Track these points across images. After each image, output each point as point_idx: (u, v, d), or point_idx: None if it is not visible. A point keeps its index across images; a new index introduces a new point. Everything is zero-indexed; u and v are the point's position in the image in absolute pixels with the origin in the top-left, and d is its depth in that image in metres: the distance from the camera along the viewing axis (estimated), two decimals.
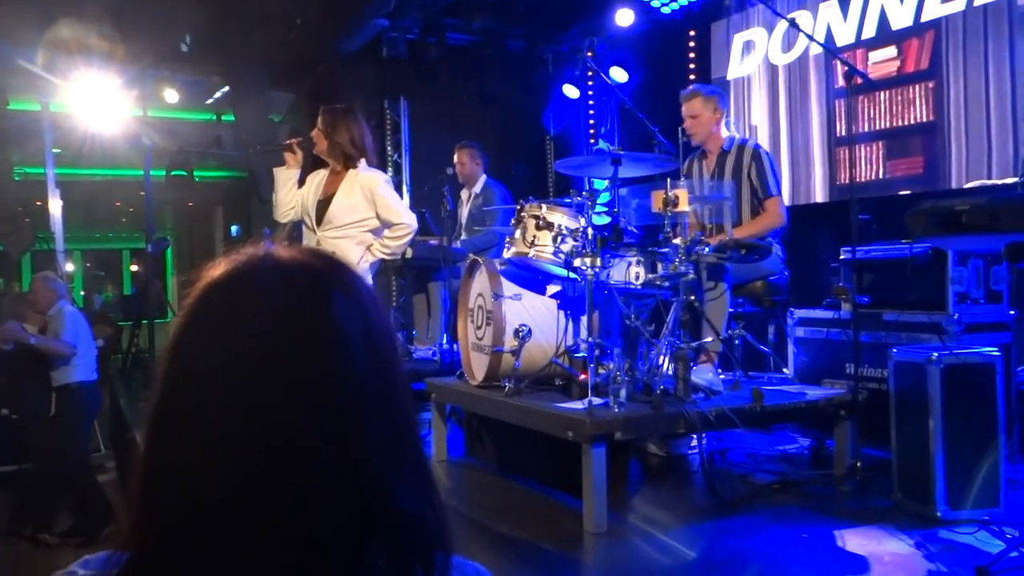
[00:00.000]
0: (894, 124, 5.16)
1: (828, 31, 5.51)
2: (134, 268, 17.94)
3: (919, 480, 2.98)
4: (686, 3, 6.54)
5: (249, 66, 7.31)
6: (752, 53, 6.18)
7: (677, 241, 3.27)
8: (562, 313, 3.65)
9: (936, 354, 2.95)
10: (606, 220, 3.42)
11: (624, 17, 6.62)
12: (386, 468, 0.66)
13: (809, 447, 4.14)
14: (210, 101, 8.21)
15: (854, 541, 2.86)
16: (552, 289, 3.71)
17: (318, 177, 3.89)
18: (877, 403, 3.47)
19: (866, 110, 5.27)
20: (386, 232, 3.76)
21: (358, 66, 7.54)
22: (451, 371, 4.62)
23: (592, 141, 7.72)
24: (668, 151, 4.14)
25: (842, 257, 3.93)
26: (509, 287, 3.67)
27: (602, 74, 5.64)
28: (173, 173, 8.19)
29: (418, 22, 7.14)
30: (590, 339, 3.24)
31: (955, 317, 3.46)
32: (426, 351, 5.45)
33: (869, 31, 5.29)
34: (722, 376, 3.68)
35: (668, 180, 3.33)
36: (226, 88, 7.76)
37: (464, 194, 5.88)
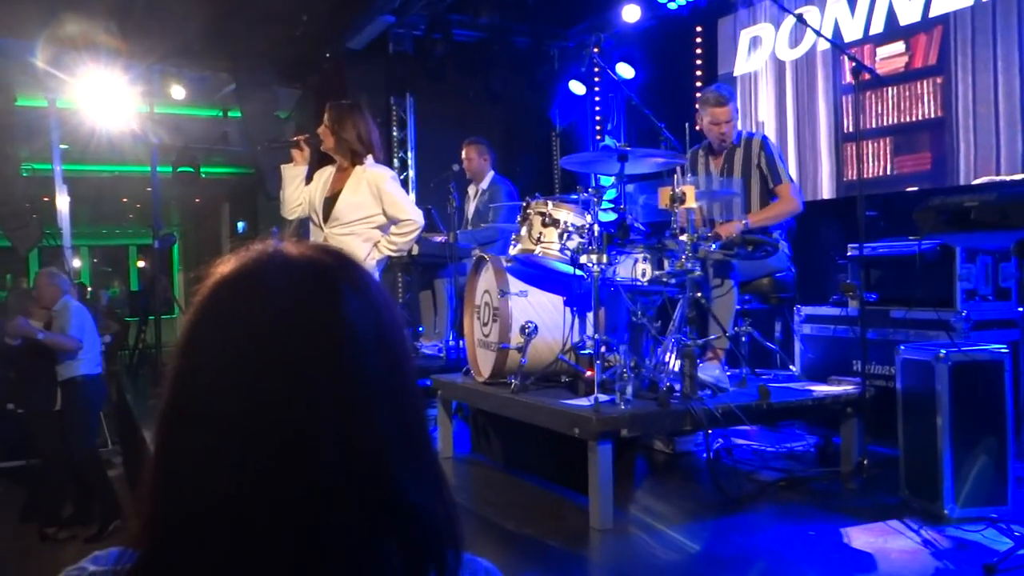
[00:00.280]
0: (902, 120, 5.14)
1: (836, 26, 5.49)
2: (141, 264, 18.00)
3: (926, 478, 2.97)
4: None
5: (256, 62, 7.32)
6: (759, 49, 6.15)
7: (684, 238, 3.26)
8: (568, 310, 3.65)
9: (944, 351, 2.94)
10: (612, 217, 3.41)
11: (631, 13, 6.60)
12: (398, 465, 0.66)
13: (816, 444, 4.13)
14: (217, 97, 8.21)
15: (861, 539, 2.85)
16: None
17: (325, 174, 3.89)
18: (884, 400, 3.46)
19: (874, 106, 5.25)
20: (392, 229, 3.76)
21: (364, 63, 7.54)
22: (457, 368, 4.62)
23: (598, 137, 7.70)
24: (675, 147, 4.13)
25: (849, 254, 3.92)
26: (515, 284, 3.67)
27: (608, 70, 5.63)
28: (180, 169, 8.21)
29: (424, 19, 7.14)
30: (596, 336, 3.24)
31: (963, 314, 3.44)
32: (432, 347, 5.45)
33: (877, 26, 5.26)
34: (728, 373, 3.68)
35: (675, 176, 3.32)
36: (233, 84, 7.76)
37: (471, 190, 5.88)
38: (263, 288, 0.68)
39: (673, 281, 3.32)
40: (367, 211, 3.71)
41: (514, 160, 7.58)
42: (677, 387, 3.28)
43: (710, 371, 3.48)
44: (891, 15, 5.18)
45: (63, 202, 6.82)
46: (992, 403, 2.93)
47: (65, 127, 7.02)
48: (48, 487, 5.01)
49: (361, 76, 7.59)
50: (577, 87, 7.65)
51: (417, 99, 7.86)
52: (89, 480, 4.96)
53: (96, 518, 4.95)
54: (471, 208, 5.81)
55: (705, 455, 4.01)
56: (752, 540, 2.89)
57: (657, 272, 3.34)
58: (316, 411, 0.64)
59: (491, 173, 5.77)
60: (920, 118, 5.04)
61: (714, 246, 3.33)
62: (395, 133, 7.83)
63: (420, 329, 5.90)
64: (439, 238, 5.49)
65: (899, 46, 5.15)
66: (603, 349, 3.26)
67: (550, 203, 3.51)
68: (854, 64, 3.54)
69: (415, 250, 5.35)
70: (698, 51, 6.62)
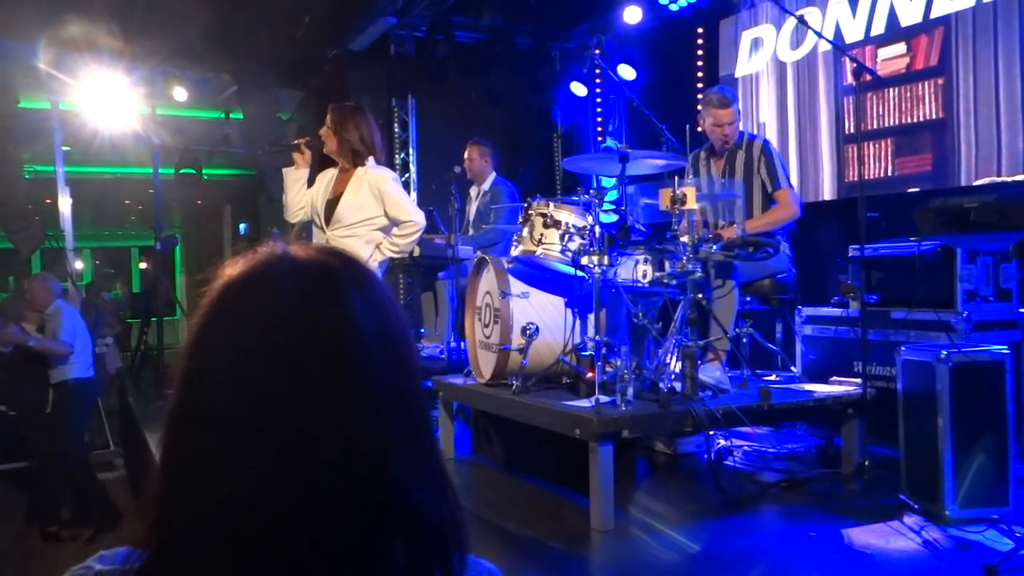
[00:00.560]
0: (903, 121, 5.14)
1: (837, 28, 5.49)
2: (143, 266, 18.02)
3: (927, 478, 2.97)
4: (694, 0, 6.52)
5: (257, 64, 7.33)
6: (760, 50, 6.16)
7: (685, 239, 3.26)
8: (569, 311, 3.65)
9: (945, 352, 2.94)
10: (614, 218, 3.42)
11: (632, 15, 6.61)
12: (404, 466, 0.66)
13: (817, 445, 4.13)
14: (219, 99, 8.23)
15: (862, 540, 2.85)
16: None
17: (327, 176, 3.89)
18: (885, 401, 3.46)
19: (875, 107, 5.25)
20: (394, 230, 3.77)
21: (366, 64, 7.55)
22: (458, 369, 4.63)
23: (600, 139, 7.71)
24: (676, 148, 4.13)
25: (850, 255, 3.92)
26: (517, 285, 3.67)
27: (610, 71, 5.63)
28: (182, 171, 8.23)
29: (426, 20, 7.15)
30: (597, 337, 3.24)
31: (964, 315, 3.44)
32: (433, 349, 5.46)
33: (878, 28, 5.26)
34: (729, 374, 3.68)
35: (676, 178, 3.32)
36: (234, 86, 7.78)
37: (473, 191, 5.89)
38: (271, 290, 0.68)
39: (674, 282, 3.33)
40: (369, 213, 3.71)
41: (516, 161, 7.59)
42: (678, 388, 3.28)
43: (711, 372, 3.49)
44: (892, 16, 5.18)
45: (65, 204, 6.83)
46: (993, 404, 2.93)
47: (67, 129, 7.03)
48: (43, 488, 5.02)
49: (363, 77, 7.60)
50: (578, 88, 7.66)
51: (419, 100, 7.87)
52: (78, 481, 4.98)
53: (89, 518, 4.96)
54: (472, 209, 5.81)
55: (706, 456, 4.01)
56: (753, 541, 2.89)
57: (658, 273, 3.34)
58: (322, 413, 0.64)
59: (493, 174, 5.77)
60: (921, 119, 5.04)
61: (715, 247, 3.33)
62: (397, 134, 7.84)
63: (422, 331, 5.90)
64: (440, 240, 5.49)
65: (900, 47, 5.15)
66: (604, 350, 3.26)
67: (551, 204, 3.51)
68: (855, 65, 3.55)
69: (416, 251, 5.36)
70: (699, 52, 6.63)
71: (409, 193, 7.85)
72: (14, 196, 6.65)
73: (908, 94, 5.11)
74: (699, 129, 4.27)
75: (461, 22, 7.21)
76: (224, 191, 12.93)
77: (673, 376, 3.33)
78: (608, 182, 5.21)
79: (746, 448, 4.08)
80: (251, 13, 6.52)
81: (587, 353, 3.46)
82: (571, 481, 3.39)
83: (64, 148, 7.02)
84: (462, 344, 4.80)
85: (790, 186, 4.05)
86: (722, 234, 3.67)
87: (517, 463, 3.89)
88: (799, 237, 4.28)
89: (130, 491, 5.60)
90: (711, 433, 3.41)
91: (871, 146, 5.25)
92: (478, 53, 7.49)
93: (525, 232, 3.55)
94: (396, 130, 7.85)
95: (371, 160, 3.76)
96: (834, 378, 3.76)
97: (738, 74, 6.29)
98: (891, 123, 5.20)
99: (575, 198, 3.54)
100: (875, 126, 5.24)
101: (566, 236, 3.42)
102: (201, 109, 8.58)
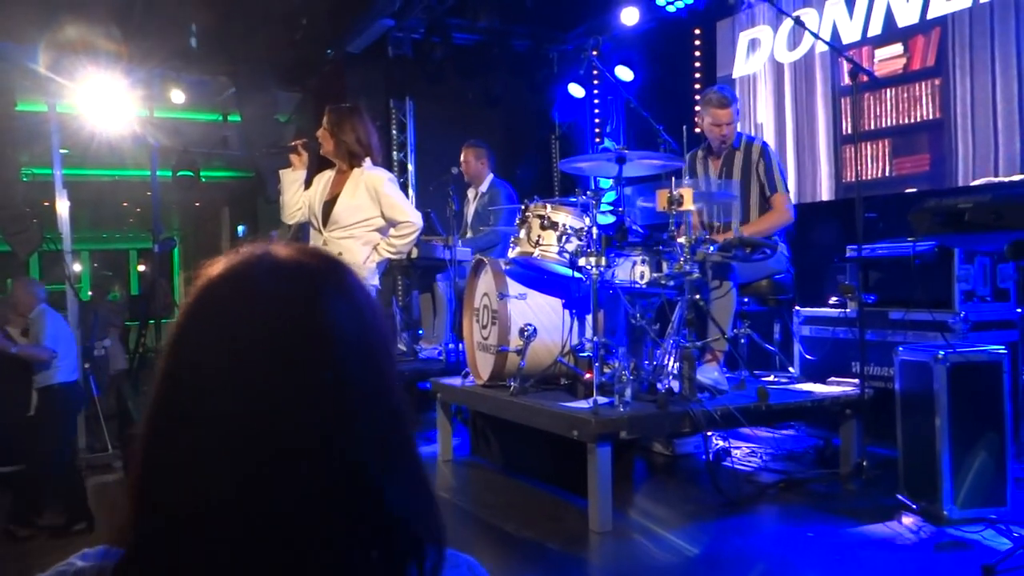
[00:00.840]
0: (900, 122, 5.14)
1: (834, 29, 5.49)
2: (141, 268, 18.01)
3: (925, 479, 2.97)
4: (691, 1, 6.52)
5: (255, 66, 7.33)
6: (758, 51, 6.16)
7: (682, 240, 3.26)
8: (567, 312, 3.65)
9: (942, 352, 2.94)
10: (611, 219, 3.42)
11: (629, 16, 6.61)
12: (378, 465, 0.66)
13: (815, 446, 4.13)
14: (217, 101, 8.22)
15: (860, 540, 2.85)
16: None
17: (325, 178, 3.89)
18: (883, 402, 3.47)
19: (872, 108, 5.25)
20: (392, 231, 3.76)
21: (364, 66, 7.55)
22: (456, 370, 4.62)
23: (597, 140, 7.71)
24: (673, 149, 4.13)
25: (848, 255, 3.92)
26: (514, 286, 3.67)
27: (607, 73, 5.63)
28: (179, 173, 8.21)
29: (423, 22, 7.15)
30: (595, 338, 3.25)
31: (961, 315, 3.45)
32: (431, 350, 5.45)
33: (875, 28, 5.27)
34: (727, 375, 3.68)
35: (673, 179, 3.33)
36: (232, 88, 7.77)
37: (470, 193, 5.89)
38: (249, 291, 0.68)
39: (672, 283, 3.33)
40: (365, 214, 3.71)
41: (513, 163, 7.59)
42: (676, 389, 3.28)
43: (709, 373, 3.49)
44: (889, 17, 5.19)
45: (63, 206, 6.81)
46: (991, 404, 2.93)
47: (65, 131, 7.02)
48: (23, 493, 5.00)
49: (360, 79, 7.60)
50: (576, 90, 7.66)
51: (416, 102, 7.87)
52: (63, 485, 4.95)
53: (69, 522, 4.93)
54: (470, 211, 5.81)
55: (704, 457, 4.01)
56: (751, 542, 2.90)
57: (656, 274, 3.34)
58: (298, 412, 0.64)
59: (490, 176, 5.77)
60: (918, 120, 5.05)
61: (712, 248, 3.33)
62: (394, 136, 7.84)
63: (420, 332, 5.90)
64: (438, 242, 5.49)
65: (897, 48, 5.15)
66: (602, 352, 3.26)
67: (549, 206, 3.51)
68: (852, 66, 3.55)
69: (414, 253, 5.35)
70: (697, 54, 6.63)
71: (407, 195, 7.85)
72: (11, 199, 6.63)
73: (905, 95, 5.11)
74: (697, 130, 4.27)
75: (458, 24, 7.21)
76: (222, 193, 12.92)
77: (671, 377, 3.33)
78: (606, 183, 5.21)
79: (744, 449, 4.08)
80: (249, 15, 6.51)
81: (585, 354, 3.46)
82: (569, 482, 3.40)
83: (62, 151, 7.00)
84: (460, 346, 4.80)
85: (787, 191, 4.06)
86: (718, 240, 3.66)
87: (515, 464, 3.89)
88: (797, 238, 4.29)
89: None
90: (709, 434, 3.41)
91: (868, 147, 5.25)
92: (475, 55, 7.49)
93: (522, 234, 3.55)
94: (394, 132, 7.85)
95: (368, 161, 3.76)
96: (832, 378, 3.76)
97: (735, 75, 6.29)
98: (888, 124, 5.21)
99: (572, 199, 3.54)
100: (872, 127, 5.25)
101: (563, 237, 3.42)
102: (199, 111, 8.57)
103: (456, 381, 4.12)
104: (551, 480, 3.61)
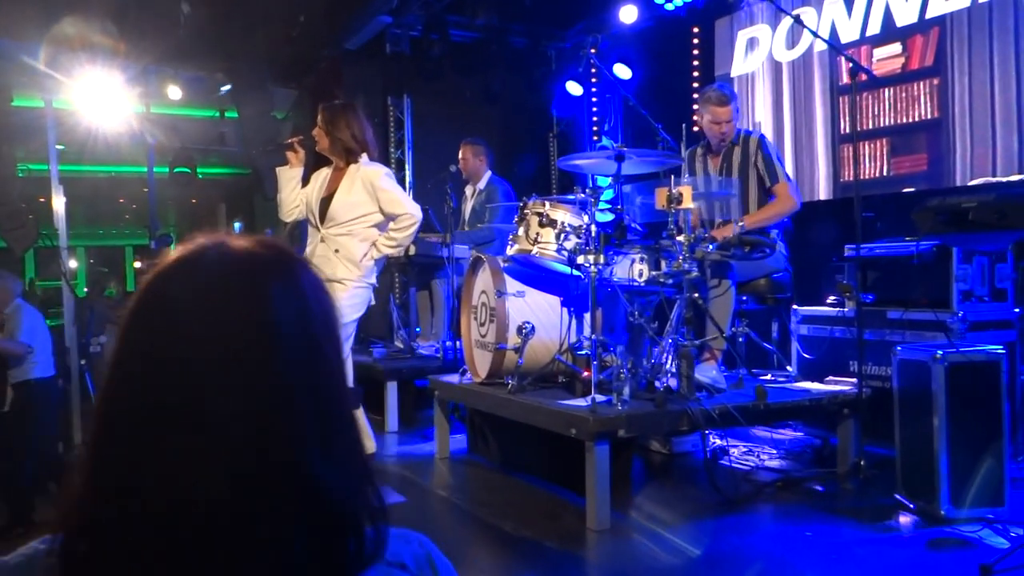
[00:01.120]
0: (899, 121, 5.14)
1: (832, 28, 5.49)
2: (137, 265, 17.97)
3: (923, 478, 2.97)
4: (690, 0, 6.52)
5: (252, 63, 7.30)
6: (756, 50, 6.16)
7: (681, 238, 3.26)
8: (565, 310, 3.65)
9: (940, 352, 2.94)
10: (610, 217, 3.41)
11: (628, 14, 6.60)
12: (315, 447, 0.69)
13: (812, 445, 4.13)
14: (214, 98, 8.19)
15: (858, 539, 2.85)
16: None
17: (322, 175, 3.87)
18: (881, 401, 3.47)
19: (870, 107, 5.25)
20: (390, 225, 3.71)
21: (361, 63, 7.53)
22: (454, 368, 4.61)
23: (595, 138, 7.71)
24: (672, 147, 4.13)
25: (846, 254, 3.92)
26: (512, 284, 3.67)
27: (605, 71, 5.62)
28: (176, 170, 8.19)
29: (421, 19, 7.13)
30: (593, 336, 3.24)
31: (960, 315, 3.45)
32: (429, 348, 5.45)
33: (874, 28, 5.27)
34: (725, 373, 3.68)
35: (672, 177, 3.32)
36: (229, 85, 7.75)
37: (468, 190, 5.88)
38: (193, 278, 0.71)
39: (670, 281, 3.32)
40: (363, 210, 3.67)
41: (511, 160, 7.58)
42: (674, 387, 3.28)
43: (707, 372, 3.49)
44: (888, 16, 5.18)
45: (59, 203, 6.79)
46: (988, 404, 2.93)
47: (62, 127, 6.99)
48: (9, 488, 4.97)
49: (358, 76, 7.58)
50: (574, 88, 7.65)
51: (414, 99, 7.85)
52: (43, 480, 4.92)
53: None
54: (468, 208, 5.81)
55: (702, 456, 4.01)
56: (749, 541, 2.89)
57: (654, 272, 3.34)
58: (233, 398, 0.66)
59: (488, 173, 5.76)
60: (917, 119, 5.05)
61: (711, 247, 3.33)
62: (392, 133, 7.83)
63: (417, 330, 5.89)
64: (436, 239, 5.48)
65: (896, 47, 5.15)
66: (600, 350, 3.26)
67: (547, 203, 3.51)
68: (851, 65, 3.55)
69: (412, 250, 5.34)
70: (695, 52, 6.62)
71: (405, 192, 7.83)
72: (8, 195, 6.60)
73: (903, 94, 5.11)
74: (695, 128, 4.26)
75: (456, 21, 7.20)
76: (219, 190, 12.89)
77: (669, 375, 3.33)
78: (604, 181, 5.20)
79: (741, 448, 4.09)
80: (246, 12, 6.49)
81: (583, 352, 3.46)
82: (567, 480, 3.39)
83: (58, 147, 6.97)
84: (458, 343, 4.79)
85: (788, 179, 4.05)
86: (717, 235, 3.66)
87: (513, 462, 3.88)
88: (794, 237, 4.29)
89: None
90: (707, 432, 3.41)
91: (866, 146, 5.25)
92: (473, 52, 7.47)
93: (521, 231, 3.54)
94: (391, 129, 7.83)
95: (364, 157, 3.73)
96: (830, 377, 3.76)
97: (734, 74, 6.29)
98: (887, 123, 5.21)
99: (571, 197, 3.53)
100: (870, 126, 5.25)
101: (562, 235, 3.41)
102: (196, 108, 8.55)
103: (454, 379, 4.12)
104: (549, 478, 3.60)
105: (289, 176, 3.89)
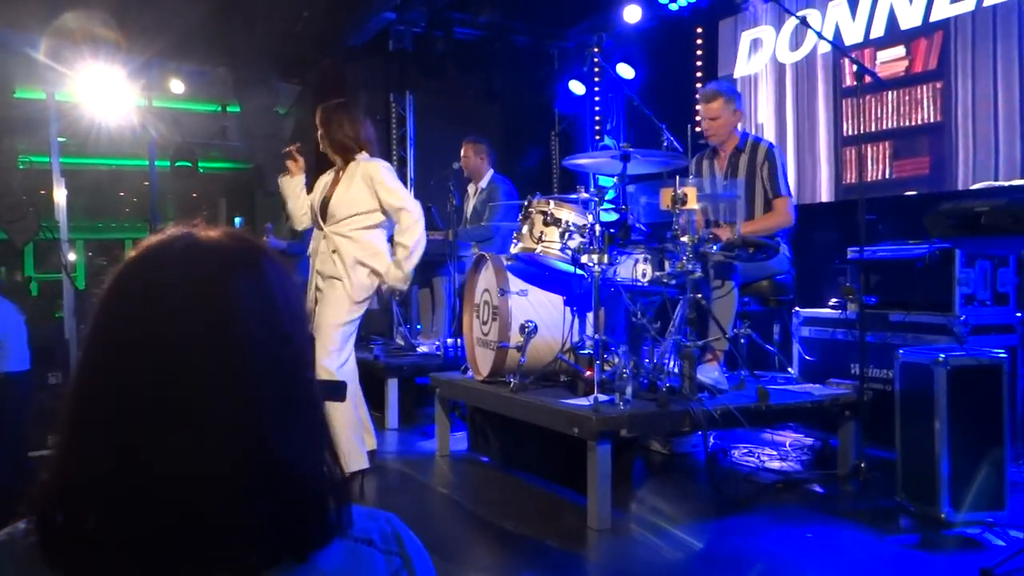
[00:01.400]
0: (902, 124, 5.15)
1: (836, 30, 5.49)
2: None
3: (923, 481, 2.98)
4: (694, 0, 6.52)
5: (255, 58, 7.29)
6: (759, 51, 6.16)
7: (685, 239, 3.26)
8: (568, 309, 3.65)
9: (943, 355, 2.95)
10: (614, 217, 3.42)
11: (632, 13, 6.60)
12: (279, 433, 0.72)
13: (813, 447, 4.14)
14: (216, 92, 8.17)
15: (858, 541, 2.86)
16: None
17: (326, 178, 3.84)
18: (882, 404, 3.47)
19: (873, 110, 5.26)
20: (395, 233, 3.57)
21: (364, 59, 7.52)
22: (455, 366, 4.62)
23: (597, 137, 7.71)
24: (676, 148, 4.13)
25: (850, 257, 3.93)
26: (516, 283, 3.67)
27: (609, 70, 5.62)
28: (177, 164, 8.18)
29: (425, 16, 7.13)
30: (596, 336, 3.24)
31: (962, 319, 3.46)
32: (430, 345, 5.45)
33: (878, 31, 5.27)
34: (727, 375, 3.68)
35: (677, 178, 3.32)
36: (232, 80, 7.74)
37: (470, 188, 5.88)
38: (158, 266, 0.74)
39: (674, 282, 3.33)
40: (362, 206, 3.56)
41: (513, 159, 7.58)
42: (676, 388, 3.28)
43: (709, 372, 3.49)
44: (892, 19, 5.19)
45: (60, 195, 6.78)
46: (990, 408, 2.94)
47: (63, 120, 6.98)
48: None
49: (361, 73, 7.58)
50: (577, 87, 7.65)
51: (417, 97, 7.85)
52: (14, 476, 4.88)
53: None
54: (470, 207, 5.81)
55: (703, 456, 4.02)
56: (750, 541, 2.90)
57: (658, 273, 3.34)
58: (199, 386, 0.69)
59: (490, 172, 5.76)
60: (920, 122, 5.05)
61: (715, 247, 3.33)
62: (394, 130, 7.82)
63: (418, 327, 5.89)
64: (438, 236, 5.48)
65: (900, 50, 5.16)
66: (603, 349, 3.26)
67: (552, 202, 3.51)
68: (857, 67, 3.55)
69: None
70: (698, 53, 6.63)
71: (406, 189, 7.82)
72: (8, 187, 6.60)
73: (907, 97, 5.12)
74: (698, 129, 4.27)
75: (460, 19, 7.19)
76: (219, 185, 12.87)
77: (671, 376, 3.33)
78: (607, 181, 5.20)
79: (742, 448, 4.09)
80: (250, 7, 6.48)
81: (585, 351, 3.46)
82: (568, 479, 3.40)
83: (60, 139, 6.96)
84: (459, 341, 4.79)
85: (789, 195, 4.06)
86: (718, 234, 3.66)
87: (513, 461, 3.89)
88: (796, 239, 4.29)
89: None
90: (708, 433, 3.41)
91: (869, 148, 5.25)
92: (477, 50, 7.47)
93: (525, 230, 3.54)
94: (393, 126, 7.82)
95: (364, 154, 3.68)
96: (831, 380, 3.76)
97: (737, 75, 6.29)
98: (889, 126, 5.21)
99: (574, 196, 3.53)
100: (873, 129, 5.25)
101: (566, 234, 3.41)
102: (198, 102, 8.54)
103: (455, 376, 4.12)
104: (549, 477, 3.61)
105: (292, 185, 3.84)
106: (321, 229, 3.67)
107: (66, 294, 6.55)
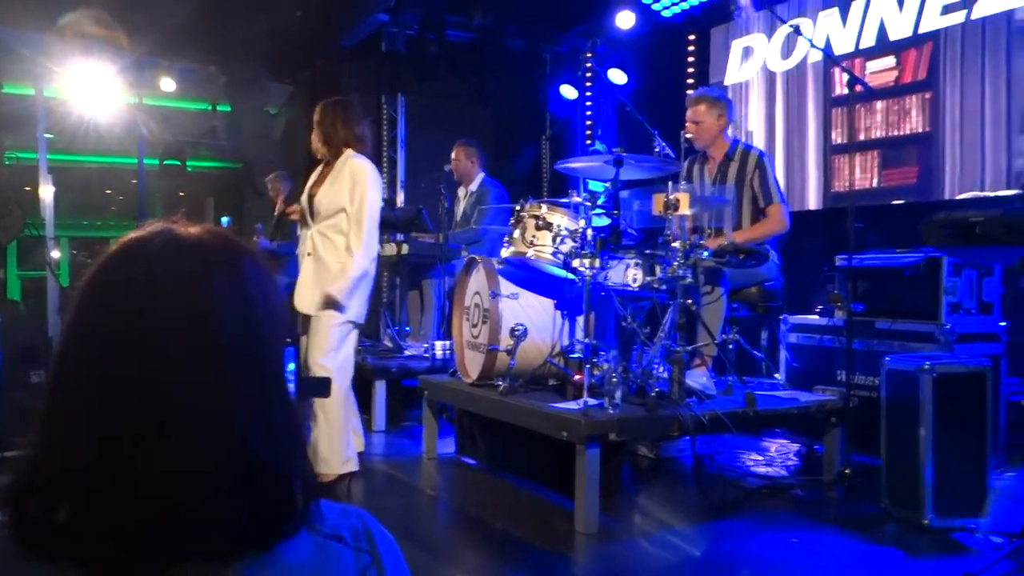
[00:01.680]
0: (890, 134, 5.20)
1: (827, 40, 5.54)
2: None
3: (908, 488, 3.00)
4: (687, 7, 6.56)
5: (247, 57, 7.28)
6: (751, 59, 6.20)
7: (676, 244, 3.28)
8: (558, 313, 3.66)
9: (929, 363, 2.97)
10: (606, 221, 3.43)
11: (625, 20, 6.63)
12: (255, 429, 0.73)
13: (799, 453, 4.17)
14: (207, 91, 8.14)
15: (843, 547, 2.88)
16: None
17: (315, 174, 3.80)
18: (867, 410, 3.50)
19: (863, 119, 5.30)
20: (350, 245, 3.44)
21: (356, 61, 7.52)
22: (443, 369, 4.62)
23: (589, 142, 7.73)
24: (669, 155, 4.15)
25: (838, 264, 3.96)
26: (507, 286, 3.67)
27: (602, 75, 5.64)
28: (166, 162, 8.14)
29: (418, 18, 7.13)
30: (587, 340, 3.25)
31: (948, 327, 3.49)
32: (418, 348, 5.44)
33: (868, 40, 5.32)
34: (715, 380, 3.70)
35: (669, 183, 3.34)
36: (223, 79, 7.72)
37: (461, 191, 5.88)
38: (140, 261, 0.74)
39: (664, 287, 3.34)
40: (341, 204, 3.46)
41: (504, 162, 7.59)
42: (665, 393, 3.30)
43: (697, 378, 3.51)
44: (882, 30, 5.24)
45: (47, 192, 6.74)
46: (974, 415, 2.97)
47: (52, 117, 6.94)
48: None
49: (353, 74, 7.57)
50: (569, 91, 7.68)
51: (408, 99, 7.85)
52: None
53: None
54: (460, 210, 5.81)
55: (689, 461, 4.04)
56: (736, 546, 2.92)
57: (648, 278, 3.35)
58: (178, 380, 0.70)
59: (481, 175, 5.76)
60: (908, 132, 5.10)
61: (706, 253, 3.35)
62: (385, 132, 7.81)
63: (407, 329, 5.88)
64: (429, 238, 5.48)
65: (889, 60, 5.21)
66: (593, 354, 3.27)
67: (544, 206, 3.51)
68: (848, 76, 3.58)
69: (405, 249, 5.34)
70: (690, 60, 6.66)
71: (396, 191, 7.82)
72: None
73: (896, 107, 5.17)
74: (689, 136, 4.30)
75: (453, 21, 7.20)
76: (208, 184, 12.81)
77: (660, 380, 3.34)
78: (597, 186, 5.21)
79: (729, 453, 4.11)
80: (242, 6, 6.46)
81: (575, 355, 3.47)
82: (555, 483, 3.40)
83: (47, 135, 6.92)
84: (448, 343, 4.79)
85: (782, 201, 4.08)
86: (710, 245, 3.67)
87: (501, 464, 3.89)
88: (785, 246, 4.32)
89: None
90: (696, 438, 3.42)
91: (857, 157, 5.30)
92: (469, 53, 7.48)
93: (517, 233, 3.54)
94: (384, 128, 7.82)
95: (350, 151, 3.63)
96: (817, 386, 3.79)
97: (728, 82, 6.33)
98: (878, 135, 5.26)
99: (564, 200, 3.54)
100: (862, 138, 5.30)
101: (558, 238, 3.42)
102: (188, 100, 8.50)
103: (444, 379, 4.12)
104: (537, 480, 3.61)
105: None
106: (308, 228, 3.63)
107: (50, 292, 6.50)
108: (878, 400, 3.27)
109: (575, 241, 3.39)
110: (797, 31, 3.89)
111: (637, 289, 3.37)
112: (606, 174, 3.56)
